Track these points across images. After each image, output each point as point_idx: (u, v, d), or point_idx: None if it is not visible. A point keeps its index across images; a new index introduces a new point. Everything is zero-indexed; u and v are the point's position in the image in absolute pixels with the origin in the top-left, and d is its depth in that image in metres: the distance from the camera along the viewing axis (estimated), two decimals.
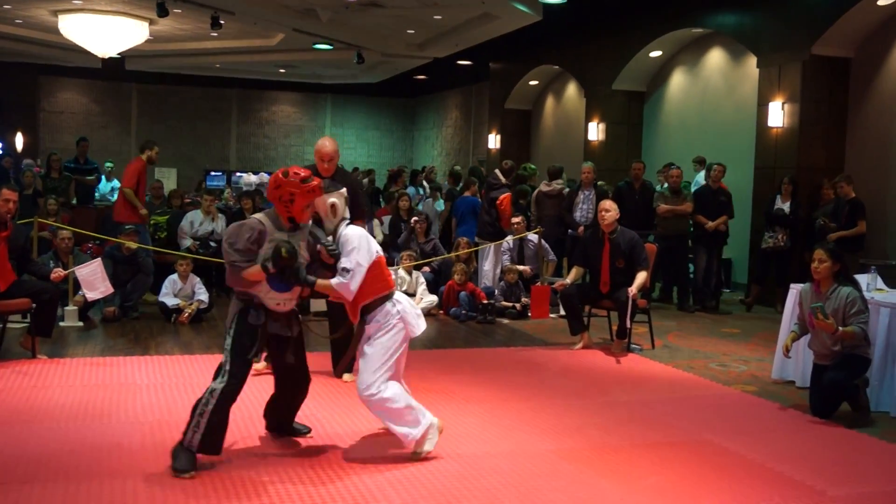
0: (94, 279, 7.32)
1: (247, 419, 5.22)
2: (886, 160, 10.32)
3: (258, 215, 4.63)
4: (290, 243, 4.44)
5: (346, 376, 6.35)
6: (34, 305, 6.85)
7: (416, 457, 4.61)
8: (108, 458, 4.55)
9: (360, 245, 4.58)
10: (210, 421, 4.33)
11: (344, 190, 4.75)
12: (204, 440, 4.33)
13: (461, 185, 12.44)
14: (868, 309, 5.80)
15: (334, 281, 4.55)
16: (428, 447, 4.66)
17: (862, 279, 6.72)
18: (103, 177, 15.17)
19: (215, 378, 4.46)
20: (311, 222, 4.76)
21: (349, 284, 4.53)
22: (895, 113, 10.22)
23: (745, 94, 12.43)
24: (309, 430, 5.05)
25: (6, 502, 3.89)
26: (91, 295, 7.60)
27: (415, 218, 10.90)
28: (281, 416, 5.00)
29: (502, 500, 4.14)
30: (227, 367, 4.44)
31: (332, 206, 4.63)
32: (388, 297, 4.68)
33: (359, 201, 6.25)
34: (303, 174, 4.56)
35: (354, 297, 4.59)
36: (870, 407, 5.86)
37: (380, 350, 4.61)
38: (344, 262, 4.54)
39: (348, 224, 4.71)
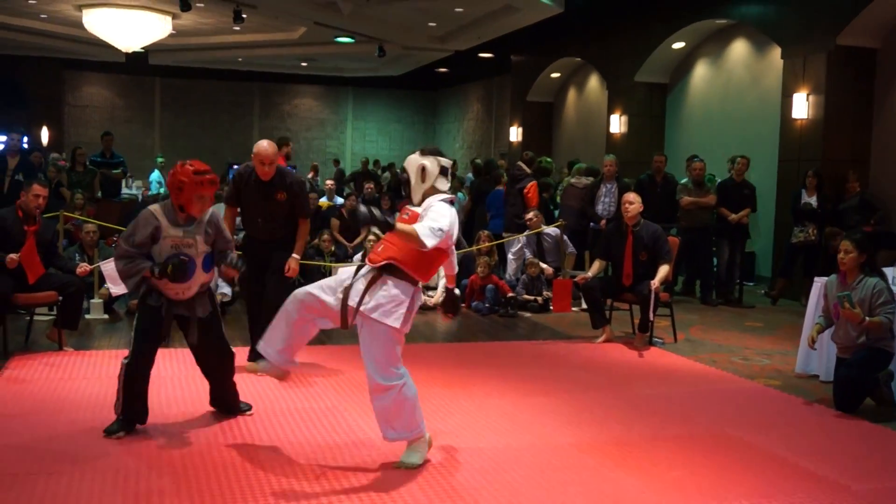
0: (114, 273, 7.37)
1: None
2: None
3: (154, 207, 4.89)
4: (179, 262, 4.66)
5: (254, 365, 6.15)
6: (60, 298, 6.93)
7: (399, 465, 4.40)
8: (133, 449, 4.61)
9: (452, 219, 4.28)
10: (125, 392, 4.78)
11: (441, 159, 4.48)
12: (125, 408, 4.80)
13: (486, 178, 12.42)
14: (895, 300, 5.75)
15: (420, 229, 4.12)
16: (416, 460, 4.41)
17: (889, 272, 6.67)
18: (156, 171, 15.32)
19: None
20: (208, 216, 4.91)
21: (436, 242, 4.15)
22: None
23: (768, 86, 12.33)
24: (250, 408, 5.28)
25: (35, 492, 3.95)
26: (115, 290, 7.66)
27: None
28: (218, 397, 5.25)
29: (523, 493, 4.15)
30: (131, 346, 4.83)
31: (422, 168, 4.42)
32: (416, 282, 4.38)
33: (301, 201, 6.37)
34: (200, 168, 4.78)
35: (402, 253, 4.27)
36: (894, 401, 5.81)
37: (399, 333, 4.29)
38: (435, 223, 4.18)
39: (448, 199, 4.41)
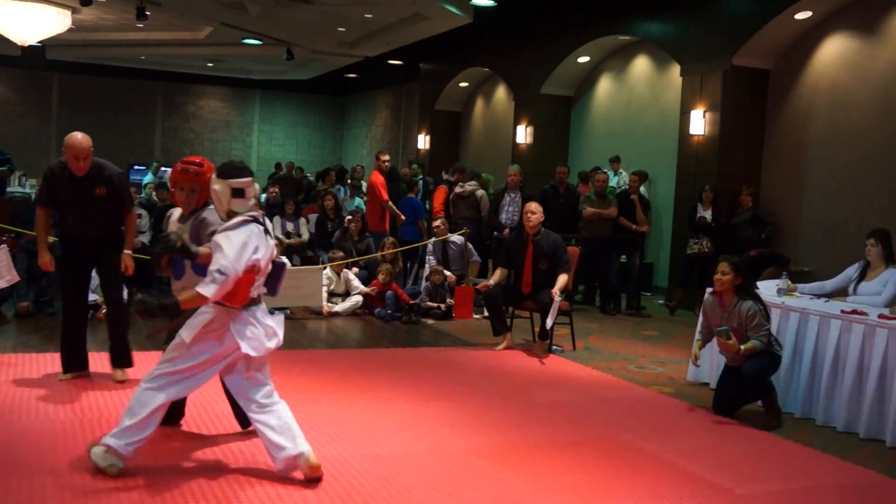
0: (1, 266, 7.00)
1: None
2: (800, 169, 10.67)
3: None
4: (167, 241, 4.27)
5: (120, 374, 6.06)
6: None
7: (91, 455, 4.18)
8: (18, 455, 4.43)
9: (239, 246, 4.04)
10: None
11: (234, 181, 4.19)
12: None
13: (404, 185, 12.46)
14: (769, 320, 5.97)
15: (200, 288, 3.96)
16: (101, 462, 4.13)
17: (773, 284, 6.96)
18: (149, 173, 14.68)
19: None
20: (203, 215, 4.78)
21: (218, 289, 3.97)
22: (809, 124, 10.57)
23: (668, 102, 12.71)
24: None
25: None
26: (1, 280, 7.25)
27: (348, 217, 10.87)
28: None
29: (418, 499, 4.16)
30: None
31: (214, 192, 4.23)
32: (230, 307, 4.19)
33: (124, 194, 5.94)
34: (187, 159, 4.78)
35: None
36: (780, 411, 6.03)
37: (181, 345, 4.16)
38: (214, 265, 4.00)
39: (242, 223, 4.14)
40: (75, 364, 6.07)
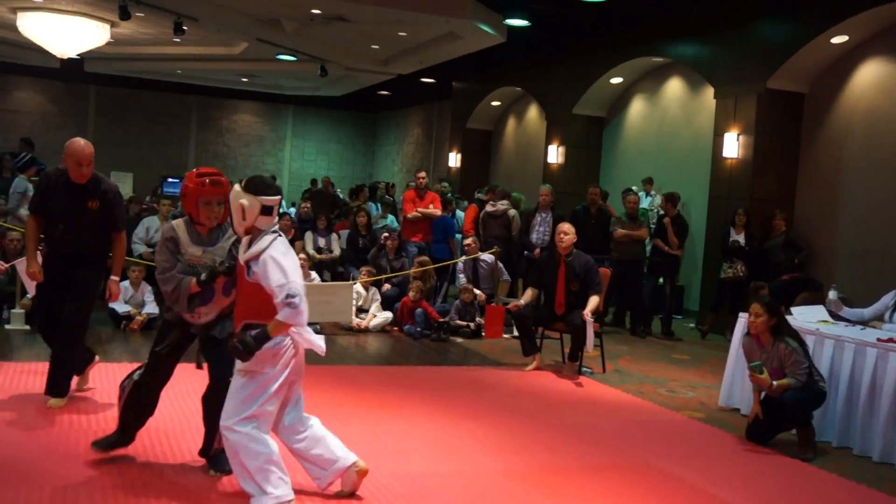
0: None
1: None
2: (835, 193, 10.56)
3: (176, 221, 4.56)
4: (212, 269, 4.32)
5: (52, 402, 5.64)
6: None
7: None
8: (46, 463, 4.47)
9: (289, 263, 4.00)
10: (127, 405, 4.57)
11: (265, 199, 4.07)
12: (123, 421, 4.60)
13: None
14: (808, 356, 5.87)
15: (281, 316, 3.90)
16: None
17: (806, 309, 6.87)
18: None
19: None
20: (231, 239, 4.52)
21: (299, 314, 3.94)
22: (845, 148, 10.47)
23: (702, 124, 12.65)
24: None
25: None
26: (31, 288, 7.28)
27: (385, 234, 10.91)
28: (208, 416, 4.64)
29: None
30: (149, 359, 4.60)
31: (241, 207, 4.07)
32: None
33: (117, 211, 5.72)
34: (203, 170, 4.47)
35: (242, 308, 4.10)
36: (815, 445, 5.92)
37: (252, 383, 4.02)
38: (283, 290, 3.91)
39: (275, 238, 4.07)
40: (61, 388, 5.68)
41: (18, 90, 22.68)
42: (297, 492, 4.15)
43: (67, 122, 23.02)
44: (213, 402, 4.40)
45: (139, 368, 4.61)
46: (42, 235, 5.76)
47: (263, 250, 3.99)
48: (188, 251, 4.44)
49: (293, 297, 3.89)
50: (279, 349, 4.01)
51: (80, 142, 5.52)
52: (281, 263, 3.94)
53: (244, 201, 4.05)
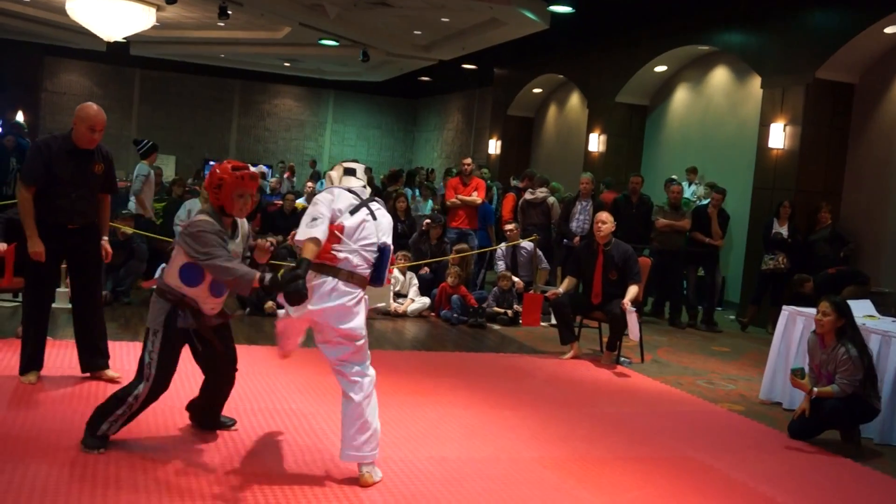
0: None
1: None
2: (884, 186, 10.35)
3: (202, 216, 4.40)
4: (292, 276, 4.13)
5: (111, 372, 5.75)
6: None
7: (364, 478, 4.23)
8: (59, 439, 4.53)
9: (316, 202, 4.31)
10: (127, 420, 4.43)
11: (351, 164, 4.72)
12: (118, 431, 4.43)
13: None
14: (864, 370, 5.65)
15: (299, 233, 4.20)
16: (377, 478, 4.27)
17: (854, 304, 6.74)
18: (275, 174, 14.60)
19: (137, 377, 4.41)
20: (247, 229, 4.64)
21: (308, 233, 4.16)
22: (895, 141, 10.25)
23: (747, 114, 12.46)
24: (234, 423, 4.95)
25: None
26: None
27: (427, 220, 10.92)
28: (206, 408, 4.85)
29: None
30: (153, 373, 4.37)
31: (330, 178, 4.70)
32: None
33: (114, 174, 5.68)
34: (237, 164, 4.45)
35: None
36: (860, 443, 5.82)
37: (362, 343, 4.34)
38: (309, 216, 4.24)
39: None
40: (37, 363, 5.63)
41: (66, 73, 23.02)
42: (337, 479, 4.16)
43: (112, 105, 23.30)
44: (219, 382, 4.74)
45: (142, 385, 4.38)
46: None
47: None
48: (230, 247, 4.42)
49: (313, 219, 4.22)
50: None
51: (93, 107, 5.40)
52: (314, 202, 4.36)
53: (332, 172, 4.70)
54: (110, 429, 4.39)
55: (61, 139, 5.43)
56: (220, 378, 4.74)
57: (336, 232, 4.22)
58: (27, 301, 5.64)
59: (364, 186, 4.53)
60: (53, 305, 7.86)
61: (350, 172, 4.59)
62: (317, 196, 4.40)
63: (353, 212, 4.30)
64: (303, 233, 4.15)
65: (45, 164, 5.31)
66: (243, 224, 4.65)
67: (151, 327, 4.41)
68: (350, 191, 4.42)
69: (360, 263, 4.28)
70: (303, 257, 4.07)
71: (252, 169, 4.58)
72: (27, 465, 4.09)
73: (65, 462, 4.19)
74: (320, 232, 4.12)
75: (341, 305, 4.21)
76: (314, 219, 4.17)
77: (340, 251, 4.23)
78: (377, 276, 4.36)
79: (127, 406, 4.38)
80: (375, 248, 4.32)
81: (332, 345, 4.29)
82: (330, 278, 4.21)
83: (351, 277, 4.25)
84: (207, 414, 4.87)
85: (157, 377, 4.38)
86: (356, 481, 4.24)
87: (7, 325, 7.32)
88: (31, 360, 5.59)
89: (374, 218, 4.37)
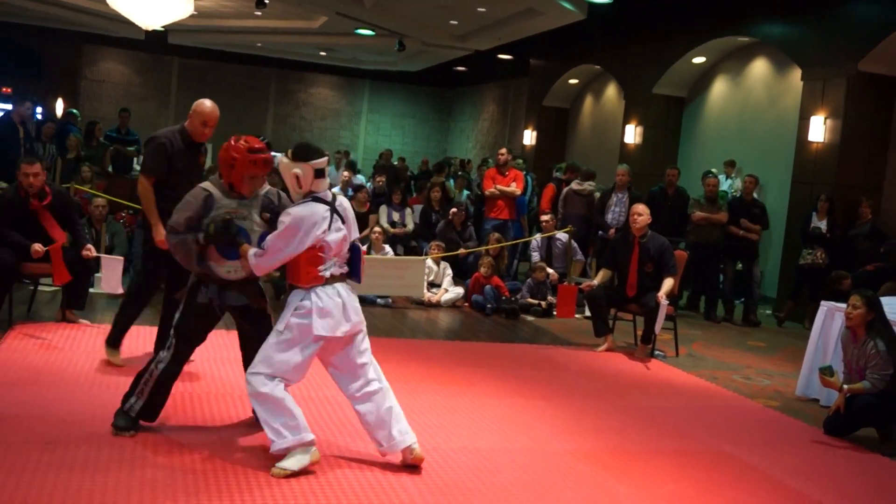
0: (112, 273, 7.10)
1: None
2: None
3: (204, 183, 4.57)
4: (221, 220, 4.34)
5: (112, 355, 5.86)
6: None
7: (276, 472, 4.08)
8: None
9: (292, 226, 4.13)
10: (152, 392, 4.46)
11: (315, 163, 4.22)
12: (144, 408, 4.48)
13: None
14: (892, 363, 5.58)
15: (250, 252, 4.27)
16: (291, 465, 4.11)
17: (893, 301, 6.65)
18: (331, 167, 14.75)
19: (157, 351, 4.57)
20: (265, 191, 4.60)
21: (259, 263, 4.23)
22: None
23: (786, 107, 12.29)
24: None
25: (29, 462, 3.94)
26: (103, 285, 7.17)
27: (453, 209, 10.93)
28: None
29: (516, 496, 4.14)
30: (173, 344, 4.50)
31: (296, 177, 4.20)
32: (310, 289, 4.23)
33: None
34: (255, 145, 4.43)
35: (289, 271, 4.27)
36: None
37: (279, 341, 4.21)
38: (267, 239, 4.21)
39: (311, 200, 4.22)
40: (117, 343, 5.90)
41: (105, 61, 23.25)
42: (368, 462, 4.19)
43: (151, 94, 23.54)
44: None
45: (162, 353, 4.52)
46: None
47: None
48: (222, 203, 4.45)
49: (264, 248, 4.18)
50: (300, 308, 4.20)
51: (207, 103, 5.70)
52: (292, 224, 4.11)
53: (297, 170, 4.17)
54: (136, 402, 4.45)
55: (179, 133, 5.70)
56: (248, 359, 4.69)
57: (319, 253, 4.20)
58: (138, 285, 5.94)
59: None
60: (93, 291, 8.03)
61: (321, 175, 4.24)
62: (296, 213, 4.17)
63: (329, 227, 4.21)
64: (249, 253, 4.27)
65: (169, 158, 5.61)
66: (263, 187, 4.63)
67: (178, 298, 4.63)
68: (317, 199, 4.23)
69: (341, 268, 4.35)
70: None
71: (272, 154, 4.59)
72: (71, 445, 4.17)
73: (103, 444, 4.26)
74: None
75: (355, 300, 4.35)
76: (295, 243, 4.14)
77: (326, 269, 4.24)
78: (354, 272, 4.40)
79: (149, 374, 4.47)
80: (348, 250, 4.36)
81: (357, 342, 4.33)
82: (341, 288, 4.26)
83: (342, 278, 4.32)
84: None
85: (177, 345, 4.49)
86: (389, 468, 4.27)
87: (46, 309, 7.43)
88: (116, 340, 5.87)
89: (344, 221, 4.31)
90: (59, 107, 20.16)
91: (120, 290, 7.01)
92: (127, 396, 4.50)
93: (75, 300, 7.03)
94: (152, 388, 4.46)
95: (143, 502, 3.65)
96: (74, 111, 16.04)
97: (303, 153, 4.22)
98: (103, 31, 20.30)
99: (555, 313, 9.48)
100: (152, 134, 5.84)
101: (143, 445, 4.31)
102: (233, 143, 4.43)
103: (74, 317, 7.04)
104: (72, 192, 8.73)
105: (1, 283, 6.54)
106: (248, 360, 4.69)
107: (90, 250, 6.91)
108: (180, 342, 4.51)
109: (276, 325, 4.26)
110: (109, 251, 8.22)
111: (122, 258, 7.45)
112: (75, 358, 5.92)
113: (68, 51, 21.85)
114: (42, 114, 18.41)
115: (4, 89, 19.86)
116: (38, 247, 6.56)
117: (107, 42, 22.10)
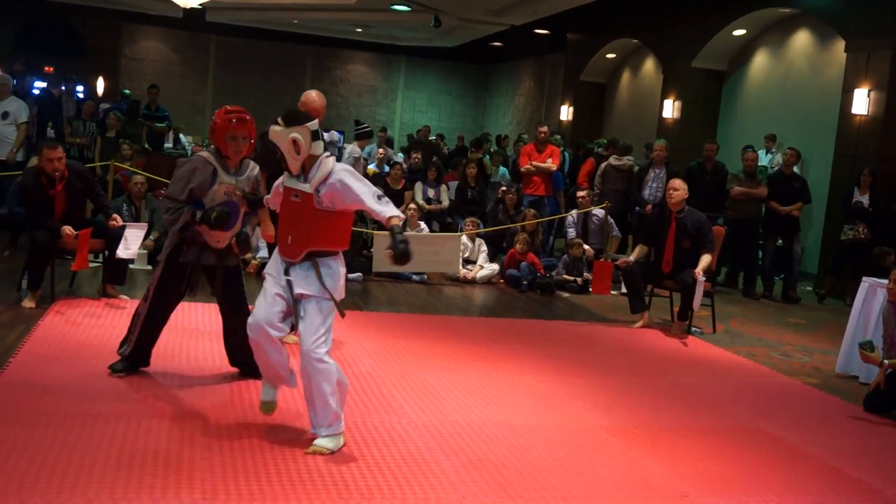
0: (133, 239, 7.15)
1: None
2: None
3: (203, 153, 4.91)
4: (224, 213, 4.71)
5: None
6: (106, 252, 7.01)
7: (316, 449, 4.07)
8: (169, 399, 4.68)
9: (359, 174, 4.19)
10: (138, 339, 5.00)
11: (310, 125, 4.16)
12: (134, 353, 5.04)
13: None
14: None
15: (391, 210, 4.09)
16: (333, 446, 4.11)
17: None
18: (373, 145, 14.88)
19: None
20: (255, 172, 4.95)
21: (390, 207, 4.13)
22: None
23: (829, 79, 12.05)
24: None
25: (71, 433, 4.03)
26: (119, 251, 7.00)
27: (503, 188, 10.90)
28: (231, 347, 5.20)
29: (550, 471, 4.15)
30: (150, 295, 4.98)
31: (294, 141, 4.11)
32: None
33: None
34: (231, 108, 4.86)
35: (311, 237, 4.12)
36: None
37: (329, 312, 4.14)
38: (359, 193, 4.07)
39: (333, 157, 4.22)
40: None
41: (144, 39, 23.43)
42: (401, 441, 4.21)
43: (188, 72, 23.69)
44: (238, 335, 4.77)
45: (142, 303, 5.03)
46: None
47: (330, 172, 4.11)
48: (223, 180, 4.81)
49: (383, 195, 4.15)
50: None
51: (312, 93, 5.79)
52: (356, 174, 4.16)
53: (294, 135, 4.12)
54: (126, 348, 5.03)
55: None
56: (234, 318, 5.02)
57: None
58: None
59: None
60: (132, 266, 8.11)
61: (317, 137, 4.18)
62: (348, 168, 4.21)
63: None
64: (392, 210, 4.11)
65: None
66: (253, 168, 4.98)
67: (159, 259, 5.03)
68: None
69: None
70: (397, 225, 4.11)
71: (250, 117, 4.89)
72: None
73: (143, 417, 4.34)
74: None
75: None
76: (381, 195, 4.15)
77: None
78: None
79: (132, 325, 5.05)
80: None
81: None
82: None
83: None
84: (235, 353, 5.18)
85: (153, 300, 4.96)
86: (424, 443, 4.29)
87: (88, 285, 7.55)
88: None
89: None
90: (101, 85, 20.39)
91: (134, 256, 7.31)
92: (121, 344, 5.12)
93: (116, 275, 7.15)
94: (137, 337, 4.99)
95: (180, 475, 3.71)
96: (127, 91, 16.22)
97: (295, 118, 4.21)
98: (143, 10, 20.47)
99: (590, 290, 9.43)
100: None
101: (180, 420, 4.37)
102: (216, 113, 4.89)
103: (115, 292, 7.17)
104: (111, 169, 8.85)
105: (40, 261, 6.68)
106: (225, 319, 5.10)
107: (116, 220, 6.96)
108: (156, 298, 4.96)
109: (322, 295, 4.08)
110: (149, 228, 8.33)
111: (145, 224, 7.63)
112: (114, 333, 6.01)
113: (108, 30, 22.05)
114: (83, 92, 18.62)
115: (46, 68, 20.10)
116: (68, 230, 6.65)
117: (146, 21, 22.27)
